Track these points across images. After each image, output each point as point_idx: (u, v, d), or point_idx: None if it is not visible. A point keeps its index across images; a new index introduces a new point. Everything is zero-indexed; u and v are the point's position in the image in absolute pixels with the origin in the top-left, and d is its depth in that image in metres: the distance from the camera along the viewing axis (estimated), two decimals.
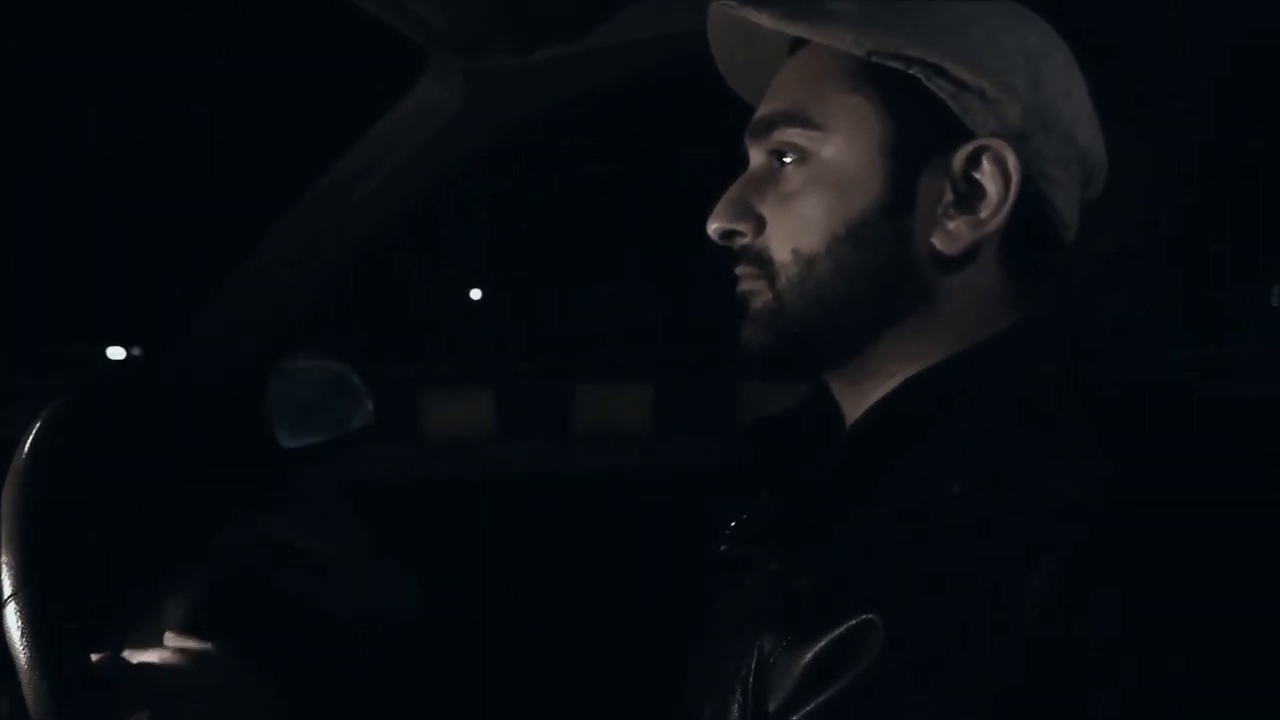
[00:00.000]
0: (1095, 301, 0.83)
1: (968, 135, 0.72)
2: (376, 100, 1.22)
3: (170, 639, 0.81)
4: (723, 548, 0.80)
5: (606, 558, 1.40)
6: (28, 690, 0.69)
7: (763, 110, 0.79)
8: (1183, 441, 0.71)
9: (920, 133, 0.73)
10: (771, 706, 0.63)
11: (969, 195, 0.73)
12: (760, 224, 0.77)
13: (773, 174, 0.78)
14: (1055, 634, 0.59)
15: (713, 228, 0.79)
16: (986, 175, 0.72)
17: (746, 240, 0.78)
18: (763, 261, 0.77)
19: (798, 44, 0.78)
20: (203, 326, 1.27)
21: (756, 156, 0.80)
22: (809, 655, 0.61)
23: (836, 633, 0.61)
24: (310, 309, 1.30)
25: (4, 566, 0.73)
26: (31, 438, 0.79)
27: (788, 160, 0.76)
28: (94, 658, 0.75)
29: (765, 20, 0.75)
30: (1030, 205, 0.73)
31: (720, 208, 0.79)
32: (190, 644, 0.80)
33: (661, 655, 0.85)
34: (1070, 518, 0.63)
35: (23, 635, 0.70)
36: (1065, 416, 0.69)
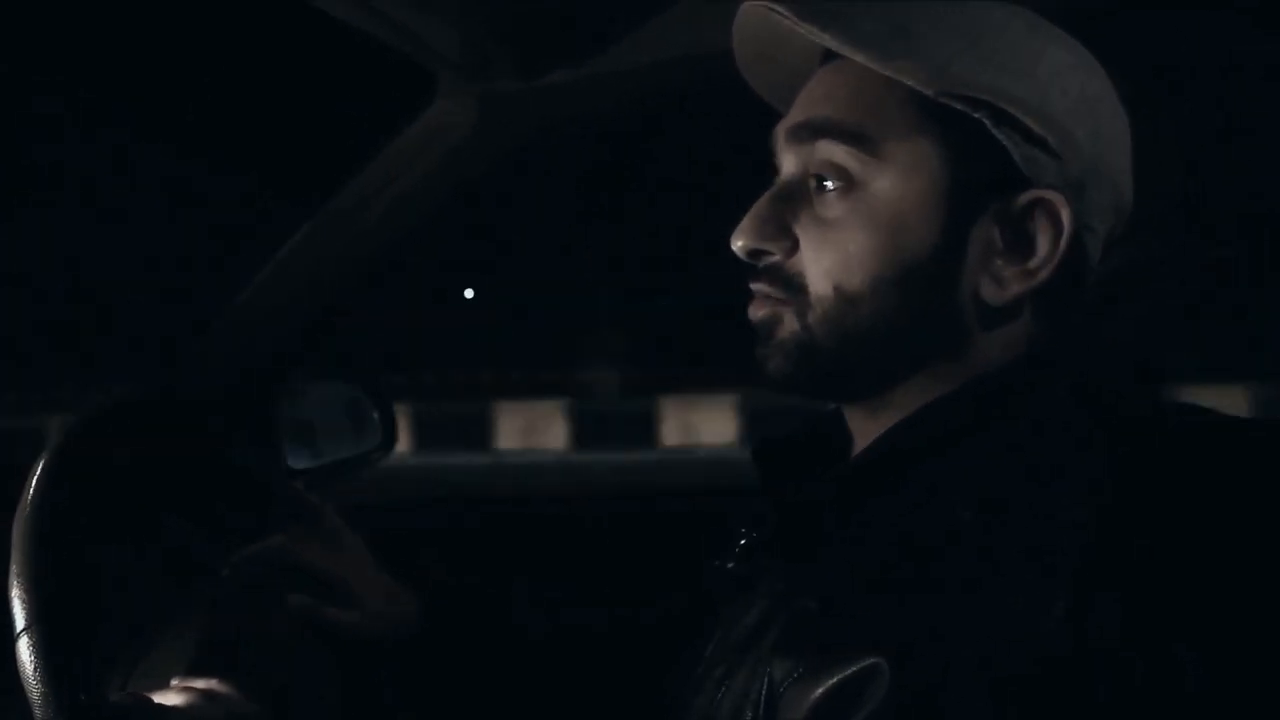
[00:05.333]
0: (1100, 326, 0.83)
1: (1024, 184, 0.70)
2: (387, 124, 1.23)
3: (178, 678, 0.81)
4: (730, 564, 0.80)
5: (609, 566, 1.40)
6: None
7: (807, 113, 0.74)
8: (1195, 462, 0.70)
9: (978, 178, 0.70)
10: None
11: (1019, 246, 0.70)
12: (793, 245, 0.73)
13: (809, 194, 0.73)
14: (1067, 660, 0.59)
15: (739, 245, 0.74)
16: (1039, 227, 0.70)
17: (776, 259, 0.74)
18: (793, 287, 0.73)
19: (831, 51, 0.73)
20: (210, 348, 1.28)
21: (791, 165, 0.75)
22: (819, 692, 0.61)
23: (847, 673, 0.60)
24: (319, 330, 1.31)
25: (16, 600, 0.73)
26: (40, 470, 0.79)
27: (829, 185, 0.72)
28: (109, 694, 0.75)
29: (828, 41, 0.71)
30: (1073, 257, 0.71)
31: (749, 224, 0.74)
32: (199, 683, 0.80)
33: (662, 665, 0.85)
34: (1083, 545, 0.62)
35: (36, 670, 0.70)
36: (1078, 443, 0.69)
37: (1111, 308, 0.86)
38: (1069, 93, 0.70)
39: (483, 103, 1.15)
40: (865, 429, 0.75)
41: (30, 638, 0.71)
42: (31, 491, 0.78)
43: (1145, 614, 0.61)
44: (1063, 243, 0.70)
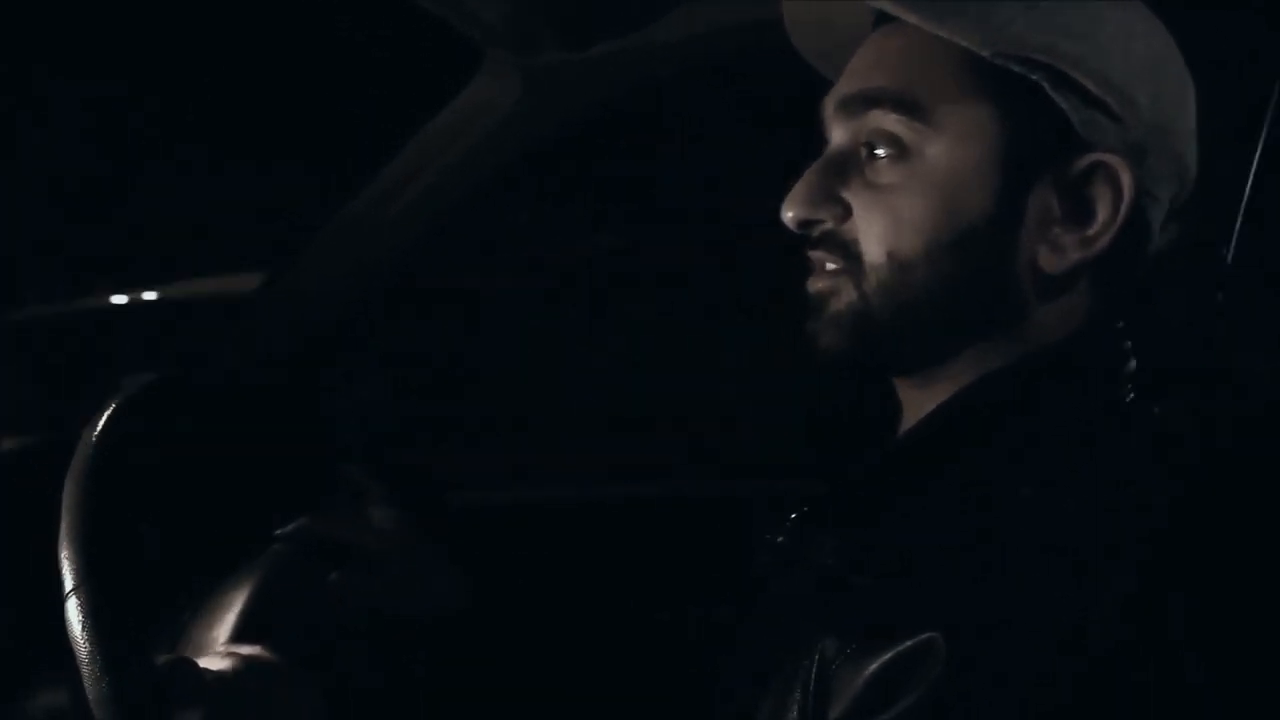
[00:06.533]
0: (1154, 305, 0.81)
1: (1083, 148, 0.68)
2: (432, 98, 1.23)
3: (223, 644, 0.82)
4: (779, 539, 0.79)
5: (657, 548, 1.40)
6: (88, 686, 0.70)
7: (858, 83, 0.72)
8: (1254, 447, 0.69)
9: (1036, 142, 0.68)
10: (832, 715, 0.62)
11: (1078, 212, 0.68)
12: (845, 212, 0.71)
13: (860, 161, 0.71)
14: (1125, 644, 0.58)
15: (789, 215, 0.72)
16: (1098, 193, 0.68)
17: (828, 227, 0.72)
18: (848, 254, 0.71)
19: (884, 15, 0.72)
20: (257, 324, 1.29)
21: (841, 135, 0.73)
22: (873, 667, 0.60)
23: (901, 648, 0.59)
24: (364, 306, 1.31)
25: (65, 561, 0.74)
26: (93, 434, 0.80)
27: (881, 153, 0.70)
28: (156, 658, 0.77)
29: (880, 2, 0.69)
30: (1133, 225, 0.69)
31: (798, 193, 0.72)
32: (244, 649, 0.81)
33: (709, 644, 0.85)
34: (1142, 526, 0.61)
35: (84, 630, 0.71)
36: (1138, 421, 0.68)
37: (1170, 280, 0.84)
38: (1131, 55, 0.68)
39: (528, 76, 1.15)
40: (917, 401, 0.74)
41: (79, 598, 0.72)
42: (84, 454, 0.79)
43: (1204, 599, 0.60)
44: (1123, 209, 0.67)
